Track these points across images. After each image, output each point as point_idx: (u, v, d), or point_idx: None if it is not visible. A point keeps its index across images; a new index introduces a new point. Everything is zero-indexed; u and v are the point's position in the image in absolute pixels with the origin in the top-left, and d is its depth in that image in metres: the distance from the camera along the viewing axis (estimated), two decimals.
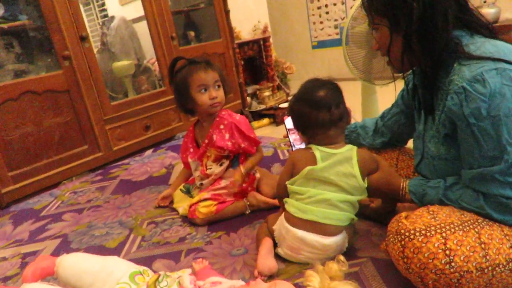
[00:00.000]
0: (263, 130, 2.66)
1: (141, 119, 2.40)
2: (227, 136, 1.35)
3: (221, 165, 1.39)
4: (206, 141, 1.39)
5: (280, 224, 1.05)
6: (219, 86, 1.37)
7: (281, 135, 2.17)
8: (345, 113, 1.02)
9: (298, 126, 1.06)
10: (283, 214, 1.06)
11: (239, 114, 1.42)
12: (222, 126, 1.37)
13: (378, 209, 1.17)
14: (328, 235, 0.99)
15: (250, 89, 3.28)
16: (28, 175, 1.90)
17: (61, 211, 1.65)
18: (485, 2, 2.82)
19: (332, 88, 1.01)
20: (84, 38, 2.06)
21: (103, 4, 2.81)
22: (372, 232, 1.13)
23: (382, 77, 2.00)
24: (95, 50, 2.41)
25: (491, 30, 0.89)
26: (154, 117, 2.46)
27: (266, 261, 1.00)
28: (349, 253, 1.03)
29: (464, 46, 0.84)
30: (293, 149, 1.31)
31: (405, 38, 0.88)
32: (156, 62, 2.57)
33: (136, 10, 2.49)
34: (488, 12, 2.77)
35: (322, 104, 0.98)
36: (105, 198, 1.72)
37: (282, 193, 1.08)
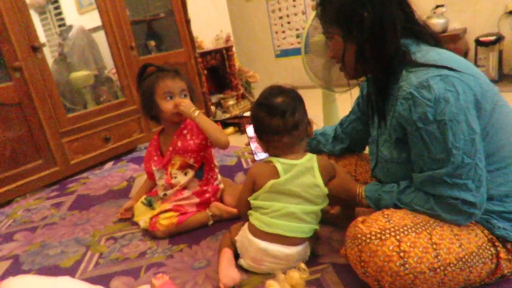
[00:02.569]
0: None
1: (100, 131, 2.32)
2: (188, 137, 1.36)
3: (186, 174, 1.37)
4: (171, 148, 1.37)
5: (243, 236, 1.04)
6: (185, 95, 1.36)
7: (245, 146, 2.17)
8: (302, 122, 1.00)
9: (255, 131, 1.06)
10: (246, 225, 1.05)
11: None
12: (185, 131, 1.37)
13: (337, 215, 1.19)
14: (291, 245, 0.99)
15: (214, 98, 3.27)
16: None
17: (13, 231, 1.55)
18: (434, 13, 2.99)
19: (290, 96, 1.01)
20: (36, 48, 1.98)
21: (61, 13, 2.71)
22: (333, 237, 1.14)
23: (341, 85, 2.06)
24: (51, 60, 2.32)
25: (436, 39, 0.94)
26: (114, 129, 2.39)
27: (228, 271, 0.98)
28: (311, 259, 1.03)
29: (411, 54, 0.88)
30: (255, 157, 1.31)
31: (357, 46, 0.91)
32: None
33: (94, 19, 2.43)
34: (437, 22, 2.94)
35: (277, 111, 0.98)
36: (61, 214, 1.64)
37: (244, 210, 1.07)
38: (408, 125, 0.84)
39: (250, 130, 1.35)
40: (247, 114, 2.97)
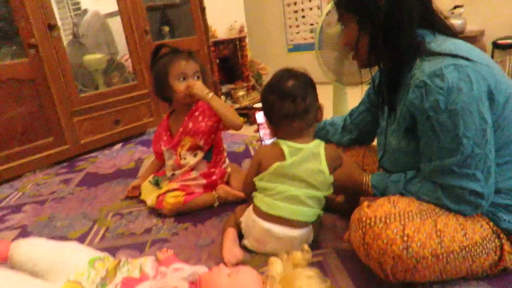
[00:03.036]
0: (236, 131, 2.65)
1: (111, 112, 2.34)
2: (200, 118, 1.37)
3: (195, 155, 1.38)
4: (181, 129, 1.38)
5: (248, 216, 1.05)
6: (198, 78, 1.37)
7: (253, 134, 2.18)
8: (313, 107, 1.01)
9: (265, 114, 1.07)
10: (251, 206, 1.06)
11: None
12: (197, 113, 1.38)
13: (342, 204, 1.20)
14: (295, 228, 1.00)
15: (224, 88, 3.28)
16: None
17: (21, 203, 1.59)
18: (452, 13, 2.95)
19: (302, 80, 1.00)
20: (52, 27, 2.00)
21: None
22: (337, 225, 1.15)
23: (353, 79, 2.06)
24: (65, 42, 2.34)
25: (452, 30, 0.93)
26: (124, 112, 2.41)
27: (232, 250, 1.00)
28: (314, 244, 1.04)
29: (426, 44, 0.87)
30: (263, 143, 1.32)
31: (371, 34, 0.91)
32: (129, 58, 2.53)
33: (110, 4, 2.44)
34: (454, 23, 2.91)
35: (288, 95, 0.97)
36: (70, 190, 1.67)
37: (249, 190, 1.08)
38: (419, 113, 0.84)
39: (259, 116, 1.36)
40: (256, 105, 2.98)
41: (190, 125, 1.37)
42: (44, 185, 1.76)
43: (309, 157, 0.99)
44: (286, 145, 1.00)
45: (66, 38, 2.55)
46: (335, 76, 2.09)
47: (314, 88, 1.03)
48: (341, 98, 2.26)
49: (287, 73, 1.02)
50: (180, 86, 1.34)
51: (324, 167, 0.99)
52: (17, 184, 1.83)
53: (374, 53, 0.93)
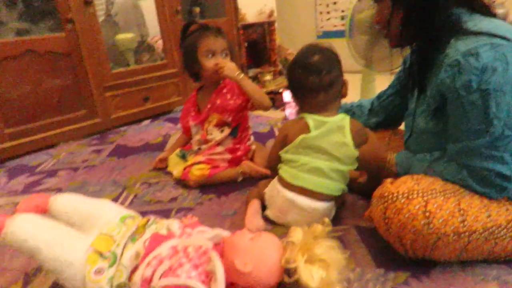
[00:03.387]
0: (262, 113, 2.67)
1: (141, 90, 2.40)
2: (228, 96, 1.39)
3: (221, 131, 1.41)
4: (209, 106, 1.41)
5: (272, 186, 1.08)
6: (226, 55, 1.39)
7: (279, 116, 2.20)
8: (338, 81, 1.02)
9: (290, 88, 1.08)
10: (276, 178, 1.08)
11: None
12: (225, 90, 1.41)
13: (364, 184, 1.20)
14: (318, 200, 1.02)
15: (251, 72, 3.29)
16: (25, 134, 1.91)
17: (57, 168, 1.67)
18: (494, 1, 2.84)
19: (327, 54, 1.02)
20: (88, 3, 2.06)
21: None
22: (358, 204, 1.16)
23: (382, 66, 2.03)
24: (100, 19, 2.41)
25: (490, 9, 0.91)
26: (153, 89, 2.47)
27: (254, 220, 1.03)
28: (334, 221, 1.06)
29: (462, 23, 0.86)
30: None
31: (405, 11, 0.90)
32: (160, 40, 2.58)
33: None
34: (496, 12, 2.79)
35: (313, 68, 0.99)
36: (101, 159, 1.74)
37: (274, 164, 1.10)
38: (449, 93, 0.83)
39: (286, 95, 1.38)
40: (282, 91, 2.98)
41: (218, 101, 1.40)
42: (77, 154, 1.85)
43: (334, 129, 1.00)
44: (311, 119, 1.02)
45: (100, 16, 2.63)
46: (365, 62, 2.07)
47: (339, 63, 1.04)
48: (369, 85, 2.23)
49: (312, 48, 1.04)
50: (208, 63, 1.36)
51: (349, 140, 1.00)
52: (52, 151, 1.92)
53: (407, 31, 0.92)
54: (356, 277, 0.84)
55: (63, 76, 2.04)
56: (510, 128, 0.77)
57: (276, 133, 1.94)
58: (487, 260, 0.85)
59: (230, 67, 1.32)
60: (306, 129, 1.01)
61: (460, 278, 0.81)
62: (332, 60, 1.02)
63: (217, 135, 1.41)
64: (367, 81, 2.25)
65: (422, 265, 0.85)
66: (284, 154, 1.05)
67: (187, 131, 1.54)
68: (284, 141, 1.05)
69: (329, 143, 1.00)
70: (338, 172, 1.02)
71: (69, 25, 2.03)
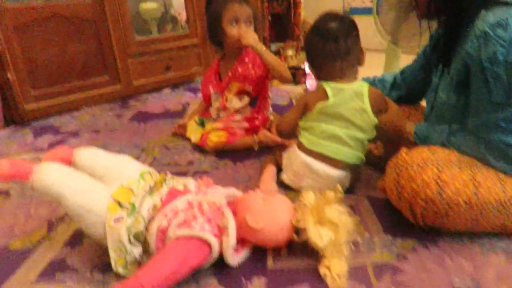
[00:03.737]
0: (282, 86, 2.66)
1: (163, 59, 2.42)
2: (250, 66, 1.40)
3: (240, 100, 1.43)
4: (230, 74, 1.42)
5: (291, 151, 1.10)
6: (250, 23, 1.39)
7: (299, 91, 2.20)
8: (355, 49, 1.02)
9: (308, 57, 1.08)
10: (295, 143, 1.10)
11: None
12: (246, 59, 1.41)
13: (380, 157, 1.20)
14: (334, 167, 1.03)
15: (273, 46, 3.24)
16: (50, 96, 1.97)
17: (80, 130, 1.73)
18: None
19: (345, 22, 1.02)
20: None
21: None
22: (373, 176, 1.16)
23: (408, 44, 1.99)
24: None
25: None
26: (175, 59, 2.49)
27: (268, 184, 1.05)
28: (347, 191, 1.07)
29: None
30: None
31: None
32: (183, 12, 2.57)
33: None
34: None
35: (330, 35, 0.99)
36: (122, 123, 1.79)
37: (287, 128, 1.10)
38: (474, 65, 0.81)
39: (307, 66, 1.37)
40: (304, 67, 2.94)
41: (239, 70, 1.40)
42: (99, 117, 1.90)
43: (352, 96, 1.01)
44: (328, 86, 1.02)
45: None
46: (391, 37, 2.03)
47: (357, 30, 1.03)
48: (393, 63, 2.19)
49: (329, 16, 1.04)
50: (231, 30, 1.36)
51: (367, 106, 1.01)
52: (76, 114, 1.98)
53: (435, 3, 0.90)
54: (363, 241, 0.85)
55: (88, 42, 2.07)
56: None
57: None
58: (498, 233, 0.85)
59: (253, 37, 1.32)
60: (324, 96, 1.02)
61: (467, 248, 0.82)
62: (349, 27, 1.02)
63: (236, 103, 1.42)
64: (392, 59, 2.20)
65: (430, 234, 0.86)
66: (304, 123, 1.06)
67: (207, 99, 1.56)
68: (303, 109, 1.06)
69: (347, 110, 1.00)
70: (356, 140, 1.03)
71: None
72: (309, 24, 3.53)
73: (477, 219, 0.80)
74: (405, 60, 2.00)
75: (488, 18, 0.79)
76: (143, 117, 1.87)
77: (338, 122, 1.01)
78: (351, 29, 1.02)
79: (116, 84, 2.23)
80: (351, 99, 1.01)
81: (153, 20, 2.68)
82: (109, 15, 2.11)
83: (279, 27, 3.34)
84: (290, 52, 3.18)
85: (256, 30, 1.41)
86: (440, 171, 0.78)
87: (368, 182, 1.14)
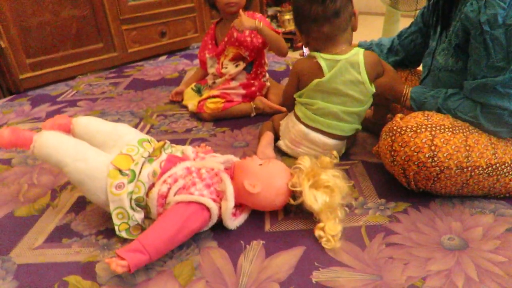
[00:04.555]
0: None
1: (158, 24, 2.37)
2: (247, 32, 1.37)
3: (236, 66, 1.42)
4: (226, 39, 1.41)
5: (289, 118, 1.10)
6: None
7: (296, 57, 2.16)
8: (345, 11, 0.95)
9: (295, 22, 1.03)
10: (292, 112, 1.10)
11: (259, 14, 1.42)
12: None
13: (370, 121, 1.21)
14: (332, 137, 1.04)
15: (270, 11, 3.17)
16: (45, 65, 1.95)
17: (76, 99, 1.73)
18: None
19: None
20: None
21: None
22: (368, 141, 1.18)
23: (409, 7, 1.94)
24: None
25: None
26: (170, 24, 2.43)
27: (265, 150, 1.07)
28: (343, 156, 1.09)
29: None
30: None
31: None
32: None
33: None
34: None
35: None
36: (118, 91, 1.79)
37: (289, 104, 1.12)
38: (473, 28, 0.80)
39: None
40: None
41: (235, 35, 1.38)
42: (96, 86, 1.89)
43: (348, 68, 0.97)
44: (322, 59, 0.98)
45: None
46: (390, 1, 1.98)
47: None
48: (392, 26, 2.15)
49: None
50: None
51: (364, 77, 0.98)
52: (72, 83, 1.97)
53: None
54: (358, 204, 0.88)
55: (80, 6, 2.02)
56: None
57: None
58: (487, 196, 0.88)
59: (246, 19, 1.28)
60: (319, 71, 0.98)
61: (457, 210, 0.85)
62: None
63: (231, 68, 1.41)
64: (391, 22, 2.16)
65: (422, 196, 0.89)
66: (299, 98, 1.05)
67: (203, 65, 1.54)
68: (298, 82, 1.04)
69: (344, 83, 0.98)
70: (353, 114, 1.03)
71: None
72: None
73: (467, 182, 0.83)
74: (404, 23, 1.97)
75: None
76: (139, 84, 1.86)
77: (334, 98, 1.00)
78: None
79: (111, 51, 2.19)
80: (346, 71, 0.97)
81: None
82: None
83: None
84: (287, 16, 3.11)
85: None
86: (433, 136, 0.80)
87: (363, 146, 1.16)
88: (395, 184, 0.91)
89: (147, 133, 1.33)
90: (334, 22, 0.95)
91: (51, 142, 0.81)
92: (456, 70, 0.91)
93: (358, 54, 0.98)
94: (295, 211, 0.87)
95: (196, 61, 2.15)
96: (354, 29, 1.02)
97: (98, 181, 0.80)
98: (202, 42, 1.54)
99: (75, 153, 0.80)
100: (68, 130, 0.93)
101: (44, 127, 0.91)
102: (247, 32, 1.38)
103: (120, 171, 0.81)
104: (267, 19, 1.42)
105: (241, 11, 1.32)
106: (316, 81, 0.99)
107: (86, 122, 0.93)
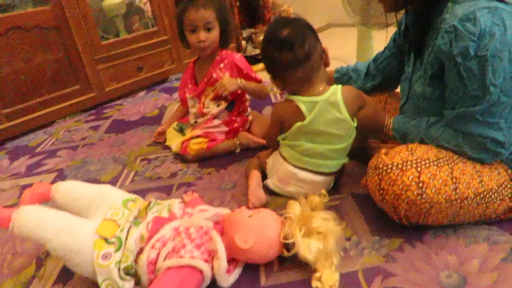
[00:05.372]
0: (258, 75, 2.63)
1: (134, 60, 2.36)
2: (227, 74, 1.36)
3: (218, 105, 1.41)
4: (205, 79, 1.40)
5: (275, 158, 1.09)
6: (209, 29, 1.32)
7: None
8: (315, 52, 0.95)
9: (267, 69, 1.03)
10: (278, 150, 1.09)
11: (239, 54, 1.42)
12: (222, 65, 1.38)
13: (360, 150, 1.21)
14: (320, 175, 1.04)
15: (245, 33, 3.19)
16: (22, 113, 1.91)
17: (56, 148, 1.69)
18: None
19: (297, 25, 0.95)
20: None
21: None
22: (355, 170, 1.18)
23: (380, 20, 1.97)
24: None
25: None
26: (146, 58, 2.42)
27: (257, 192, 1.05)
28: (332, 189, 1.08)
29: None
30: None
31: None
32: (148, 2, 2.49)
33: None
34: None
35: (284, 44, 0.93)
36: (99, 136, 1.75)
37: (273, 146, 1.12)
38: (447, 60, 0.81)
39: None
40: None
41: (214, 75, 1.37)
42: (75, 131, 1.86)
43: (328, 108, 0.96)
44: (301, 102, 0.97)
45: None
46: (361, 18, 2.00)
47: (313, 32, 0.98)
48: (366, 43, 2.18)
49: (280, 22, 0.98)
50: (190, 38, 1.34)
51: (345, 114, 0.97)
52: (50, 130, 1.93)
53: None
54: (352, 246, 0.87)
55: (53, 51, 1.99)
56: (506, 95, 0.77)
57: (273, 99, 1.93)
58: (478, 222, 0.88)
59: (229, 83, 1.28)
60: (300, 114, 0.97)
61: (452, 241, 0.84)
62: (303, 30, 0.95)
63: (213, 108, 1.40)
64: (364, 38, 2.19)
65: (415, 230, 0.88)
66: (283, 141, 1.05)
67: (184, 102, 1.53)
68: (280, 126, 1.03)
69: (325, 123, 0.97)
70: (339, 151, 1.03)
71: None
72: (279, 5, 3.47)
73: (458, 213, 0.83)
74: (378, 39, 2.00)
75: (456, 12, 0.78)
76: (120, 126, 1.84)
77: (318, 139, 0.99)
78: (306, 32, 0.95)
79: (89, 92, 2.17)
80: (327, 111, 0.97)
81: (118, 17, 2.59)
82: (71, 20, 2.02)
83: (249, 12, 3.28)
84: (262, 37, 3.14)
85: (226, 33, 1.37)
86: (419, 172, 0.79)
87: (350, 175, 1.16)
88: (387, 217, 0.90)
89: (132, 181, 1.30)
90: (306, 65, 0.95)
91: (30, 219, 0.78)
92: (434, 98, 0.92)
93: (336, 93, 0.98)
94: (290, 259, 0.85)
95: (176, 95, 2.14)
96: (326, 65, 1.02)
97: (84, 254, 0.77)
98: (182, 80, 1.54)
99: (57, 228, 0.77)
100: (48, 198, 0.90)
101: (23, 201, 0.88)
102: (227, 74, 1.37)
103: (105, 239, 0.78)
104: (245, 59, 1.43)
105: (227, 74, 1.34)
106: (298, 124, 0.98)
107: (67, 189, 0.90)
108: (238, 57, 1.39)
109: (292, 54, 0.93)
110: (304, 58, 0.94)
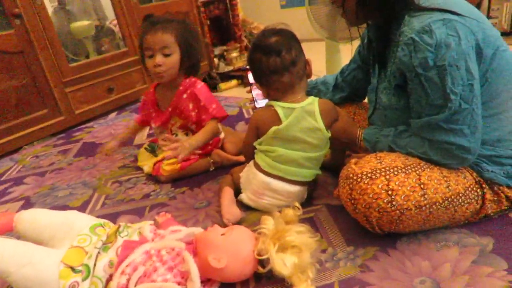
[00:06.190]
0: (231, 92, 2.64)
1: (104, 81, 2.32)
2: (191, 106, 1.32)
3: (186, 134, 1.39)
4: (170, 109, 1.35)
5: (248, 170, 1.10)
6: (167, 55, 1.25)
7: (247, 95, 2.18)
8: (300, 60, 1.01)
9: (254, 75, 1.07)
10: (251, 162, 1.10)
11: (202, 83, 1.36)
12: (185, 95, 1.33)
13: (329, 161, 1.22)
14: (293, 184, 1.04)
15: (217, 50, 3.21)
16: None
17: (23, 175, 1.62)
18: None
19: (285, 35, 1.01)
20: None
21: None
22: (328, 182, 1.18)
23: (347, 34, 2.02)
24: (50, 10, 2.28)
25: None
26: (117, 79, 2.39)
27: (231, 209, 1.04)
28: (306, 201, 1.08)
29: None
30: (256, 104, 1.32)
31: None
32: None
33: None
34: None
35: (272, 49, 0.98)
36: (68, 160, 1.70)
37: (249, 154, 1.12)
38: (408, 71, 0.84)
39: (251, 76, 1.35)
40: (248, 68, 2.94)
41: (179, 106, 1.34)
42: (43, 157, 1.79)
43: (304, 116, 1.00)
44: (279, 107, 1.01)
45: (52, 5, 2.48)
46: (327, 33, 2.05)
47: (298, 42, 1.03)
48: (334, 56, 2.24)
49: (268, 31, 1.04)
50: (147, 63, 1.28)
51: (320, 124, 1.01)
52: (16, 157, 1.86)
53: (362, 9, 0.92)
54: (328, 257, 0.87)
55: (19, 76, 1.94)
56: (467, 102, 0.79)
57: (245, 114, 1.93)
58: (449, 226, 0.90)
59: (181, 148, 1.19)
60: (276, 119, 1.00)
61: (424, 247, 0.85)
62: (290, 39, 1.01)
63: (181, 136, 1.38)
64: (332, 52, 2.25)
65: (389, 238, 0.88)
66: (259, 146, 1.06)
67: (142, 123, 1.51)
68: (256, 132, 1.06)
69: (301, 130, 1.01)
70: (313, 160, 1.05)
71: (17, 21, 1.91)
72: (249, 22, 3.53)
73: (428, 218, 0.84)
74: (346, 51, 2.05)
75: (413, 25, 0.82)
76: (90, 149, 1.79)
77: (293, 145, 1.02)
78: (292, 41, 1.01)
79: (57, 116, 2.11)
80: (303, 118, 1.00)
81: (88, 39, 2.56)
82: (36, 44, 1.98)
83: (220, 30, 3.31)
84: (234, 54, 3.16)
85: (190, 57, 1.31)
86: (388, 180, 0.81)
87: (324, 187, 1.16)
88: (361, 227, 0.90)
89: (103, 205, 1.26)
90: (292, 71, 1.00)
91: None
92: (400, 108, 0.94)
93: (313, 103, 1.02)
94: (266, 275, 0.83)
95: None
96: (309, 76, 1.08)
97: (49, 285, 0.73)
98: (142, 103, 1.49)
99: (19, 259, 0.73)
100: (10, 229, 0.85)
101: None
102: (190, 106, 1.32)
103: (72, 268, 0.75)
104: (207, 89, 1.36)
105: (168, 135, 1.28)
106: (274, 128, 1.01)
107: (30, 218, 0.86)
108: (200, 86, 1.33)
109: (280, 58, 0.98)
110: (290, 64, 0.99)
